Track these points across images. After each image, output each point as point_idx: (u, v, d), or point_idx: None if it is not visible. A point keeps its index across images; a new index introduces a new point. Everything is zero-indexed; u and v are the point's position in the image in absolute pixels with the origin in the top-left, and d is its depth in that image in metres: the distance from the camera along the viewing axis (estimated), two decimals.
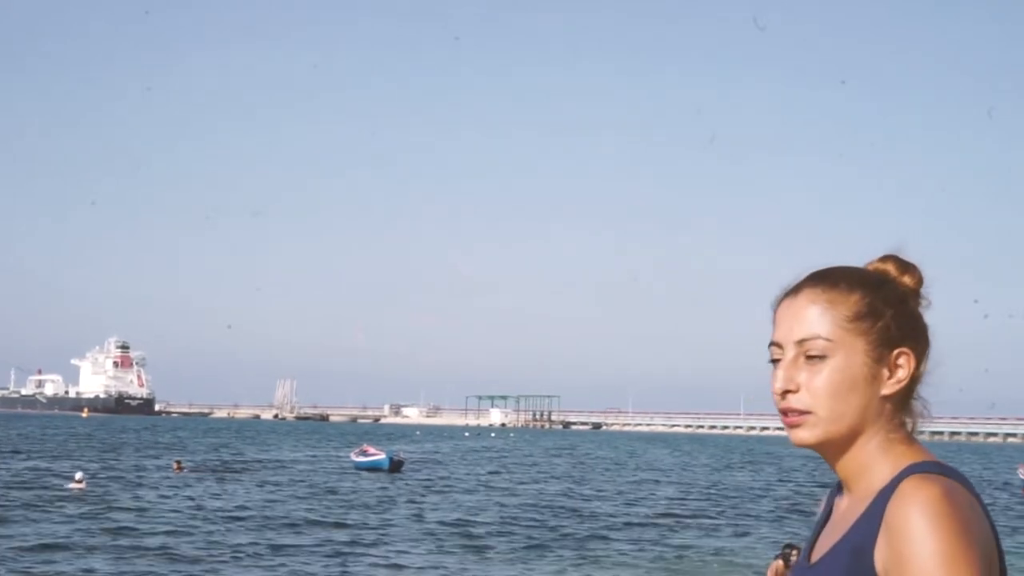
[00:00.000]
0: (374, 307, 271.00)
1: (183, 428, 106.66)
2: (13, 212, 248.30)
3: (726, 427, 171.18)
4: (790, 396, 1.67)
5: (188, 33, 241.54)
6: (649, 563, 19.93)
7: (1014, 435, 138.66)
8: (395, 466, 44.76)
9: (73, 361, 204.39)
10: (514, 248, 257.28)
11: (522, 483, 40.42)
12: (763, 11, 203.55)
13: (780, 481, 46.97)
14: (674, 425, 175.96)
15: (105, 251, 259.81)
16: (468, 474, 45.40)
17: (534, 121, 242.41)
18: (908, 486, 1.55)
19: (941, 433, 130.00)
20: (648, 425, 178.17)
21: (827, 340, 1.64)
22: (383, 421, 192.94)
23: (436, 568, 18.47)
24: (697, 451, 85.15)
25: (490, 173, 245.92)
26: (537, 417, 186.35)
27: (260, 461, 49.99)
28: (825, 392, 1.64)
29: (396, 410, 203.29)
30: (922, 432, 1.72)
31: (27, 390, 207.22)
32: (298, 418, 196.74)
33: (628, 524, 26.11)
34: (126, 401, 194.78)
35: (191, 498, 29.06)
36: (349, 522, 24.73)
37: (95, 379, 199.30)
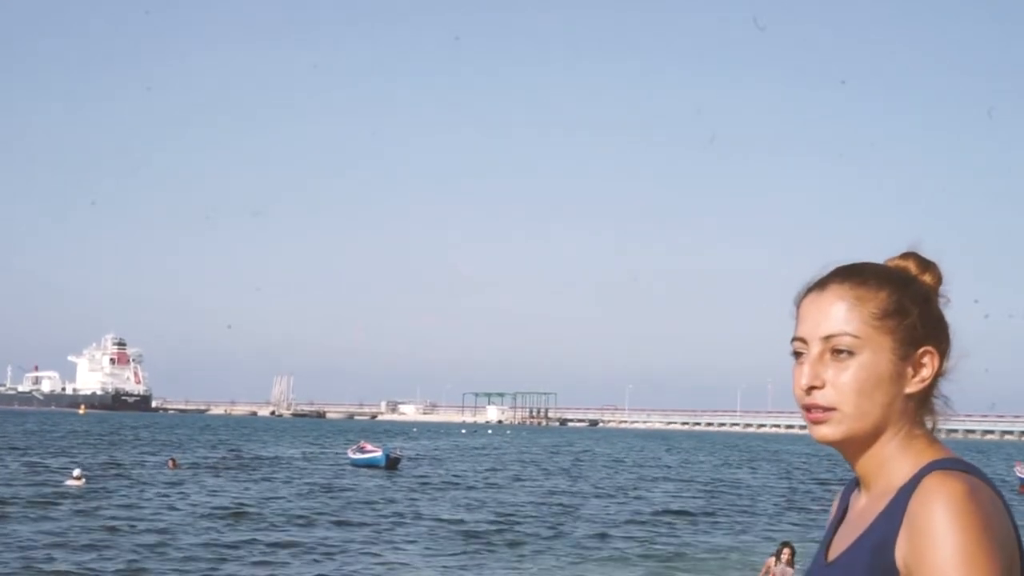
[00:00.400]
0: (371, 305, 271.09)
1: (180, 425, 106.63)
2: (11, 210, 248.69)
3: (722, 424, 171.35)
4: (815, 392, 1.65)
5: (188, 33, 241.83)
6: (648, 561, 19.91)
7: (1010, 432, 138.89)
8: (392, 463, 44.73)
9: (70, 358, 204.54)
10: (512, 247, 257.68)
11: (519, 480, 40.42)
12: (763, 11, 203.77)
13: (779, 478, 47.00)
14: (670, 422, 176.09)
15: (102, 249, 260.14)
16: (465, 471, 45.39)
17: (534, 121, 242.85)
18: (931, 482, 1.54)
19: (938, 431, 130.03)
20: (645, 422, 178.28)
21: (854, 337, 1.63)
22: (380, 418, 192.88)
23: (433, 566, 18.44)
24: (695, 448, 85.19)
25: (489, 172, 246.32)
26: (534, 414, 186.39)
27: (257, 458, 49.96)
28: (851, 389, 1.62)
29: (393, 407, 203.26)
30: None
31: (24, 387, 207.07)
32: (295, 415, 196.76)
33: (627, 522, 26.10)
34: (123, 398, 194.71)
35: (186, 495, 29.04)
36: (345, 519, 24.70)
37: (92, 376, 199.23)
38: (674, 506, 30.76)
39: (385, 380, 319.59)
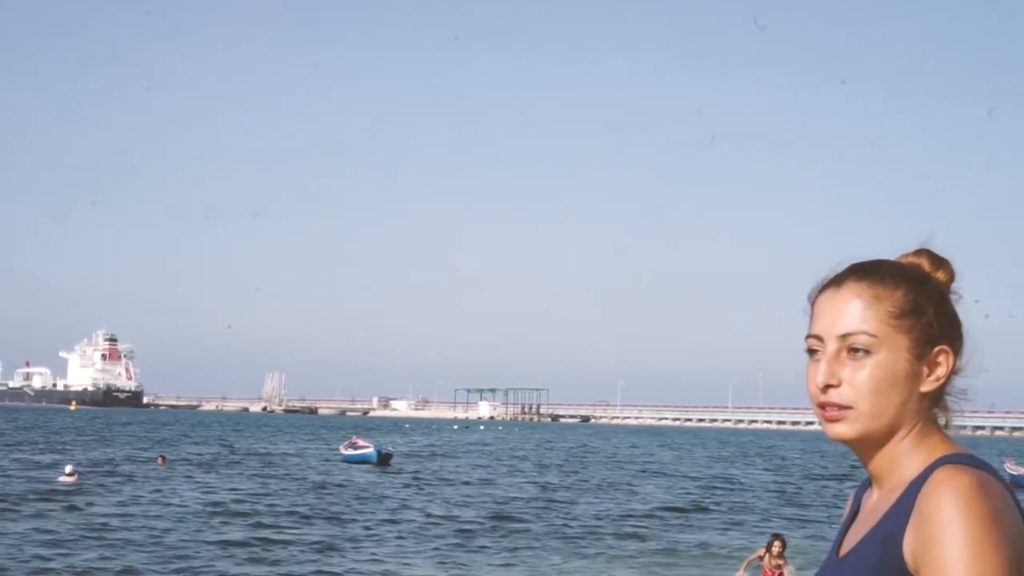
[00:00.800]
0: (367, 304, 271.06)
1: (172, 421, 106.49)
2: (7, 208, 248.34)
3: (714, 420, 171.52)
4: (831, 391, 1.65)
5: (188, 33, 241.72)
6: (641, 556, 19.93)
7: (1001, 428, 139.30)
8: (383, 459, 44.70)
9: (61, 354, 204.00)
10: (506, 244, 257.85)
11: (512, 476, 40.44)
12: (763, 11, 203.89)
13: (772, 474, 47.08)
14: (663, 418, 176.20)
15: (95, 247, 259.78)
16: (458, 467, 45.39)
17: (534, 121, 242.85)
18: (940, 475, 1.55)
19: (951, 427, 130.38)
20: (637, 418, 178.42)
21: (872, 336, 1.63)
22: (372, 414, 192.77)
23: (425, 562, 18.44)
24: (689, 444, 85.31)
25: (488, 171, 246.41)
26: (525, 410, 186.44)
27: (249, 454, 49.94)
28: (868, 388, 1.63)
29: (385, 403, 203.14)
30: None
31: (15, 383, 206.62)
32: (287, 411, 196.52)
33: (621, 518, 26.13)
34: (114, 394, 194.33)
35: (178, 492, 29.01)
36: (337, 515, 24.69)
37: (83, 372, 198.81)
38: (667, 502, 30.81)
39: (377, 376, 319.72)
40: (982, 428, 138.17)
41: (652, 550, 20.79)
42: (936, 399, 1.69)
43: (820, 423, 1.69)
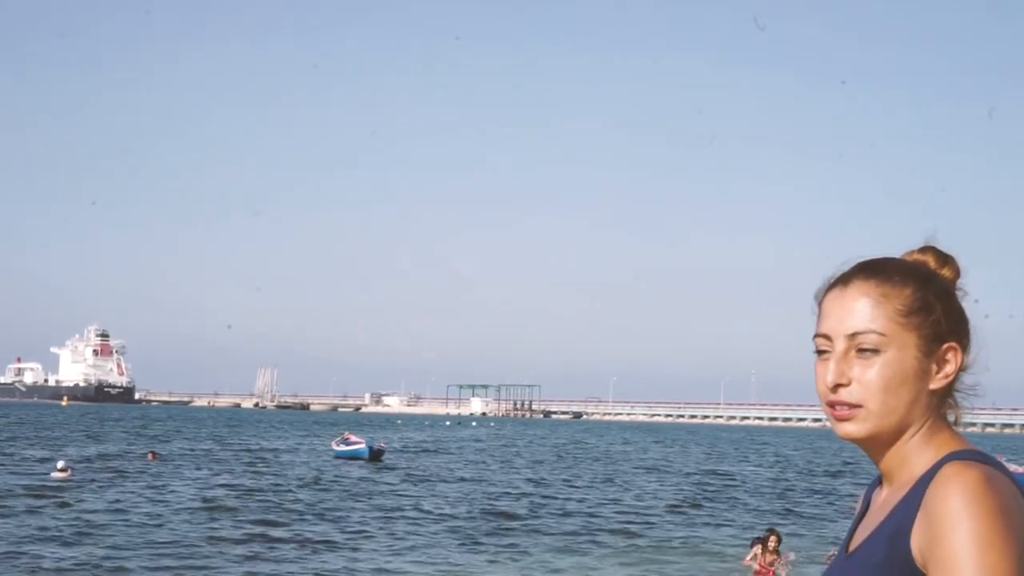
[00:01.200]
0: (359, 299, 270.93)
1: (163, 417, 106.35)
2: (3, 206, 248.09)
3: (706, 416, 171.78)
4: (841, 390, 1.64)
5: (188, 32, 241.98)
6: (634, 552, 19.95)
7: (992, 425, 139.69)
8: (375, 455, 44.70)
9: (53, 349, 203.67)
10: (499, 242, 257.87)
11: (505, 473, 40.46)
12: (763, 11, 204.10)
13: (765, 470, 47.18)
14: (655, 415, 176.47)
15: (86, 243, 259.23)
16: (451, 463, 45.40)
17: (534, 120, 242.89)
18: (949, 470, 1.55)
19: (960, 424, 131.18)
20: (629, 414, 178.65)
21: (880, 334, 1.63)
22: (364, 410, 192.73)
23: (418, 558, 18.44)
24: (683, 440, 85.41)
25: (487, 171, 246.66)
26: (518, 406, 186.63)
27: (240, 450, 49.89)
28: (877, 387, 1.62)
29: (377, 399, 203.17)
30: None
31: (6, 378, 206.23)
32: (279, 407, 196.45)
33: (615, 514, 26.16)
34: (106, 389, 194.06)
35: (170, 488, 28.97)
36: (329, 511, 24.67)
37: (75, 367, 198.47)
38: (660, 497, 30.85)
39: (369, 372, 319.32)
40: (973, 425, 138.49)
41: (644, 546, 20.82)
42: (945, 396, 1.68)
43: (830, 422, 1.68)
